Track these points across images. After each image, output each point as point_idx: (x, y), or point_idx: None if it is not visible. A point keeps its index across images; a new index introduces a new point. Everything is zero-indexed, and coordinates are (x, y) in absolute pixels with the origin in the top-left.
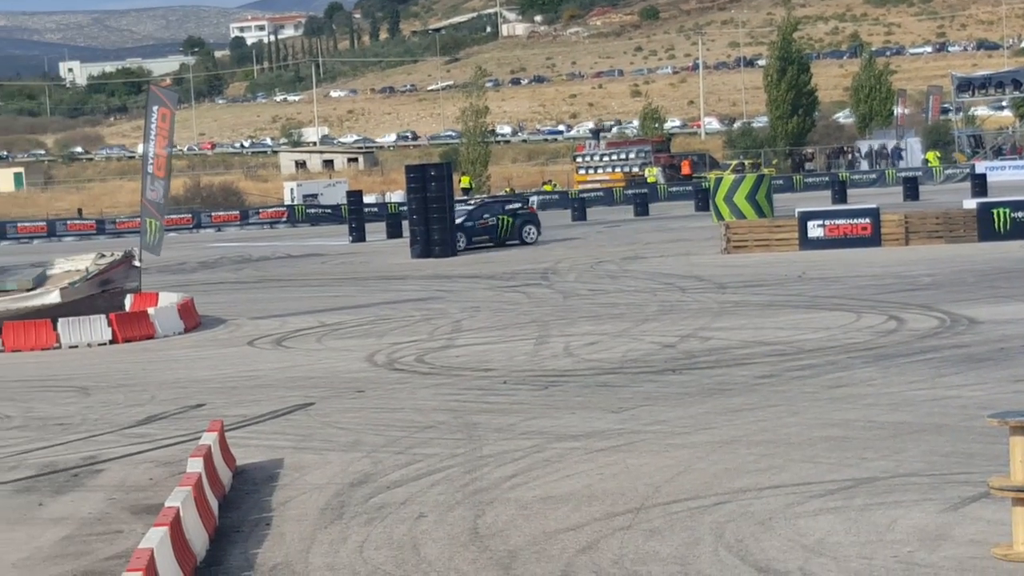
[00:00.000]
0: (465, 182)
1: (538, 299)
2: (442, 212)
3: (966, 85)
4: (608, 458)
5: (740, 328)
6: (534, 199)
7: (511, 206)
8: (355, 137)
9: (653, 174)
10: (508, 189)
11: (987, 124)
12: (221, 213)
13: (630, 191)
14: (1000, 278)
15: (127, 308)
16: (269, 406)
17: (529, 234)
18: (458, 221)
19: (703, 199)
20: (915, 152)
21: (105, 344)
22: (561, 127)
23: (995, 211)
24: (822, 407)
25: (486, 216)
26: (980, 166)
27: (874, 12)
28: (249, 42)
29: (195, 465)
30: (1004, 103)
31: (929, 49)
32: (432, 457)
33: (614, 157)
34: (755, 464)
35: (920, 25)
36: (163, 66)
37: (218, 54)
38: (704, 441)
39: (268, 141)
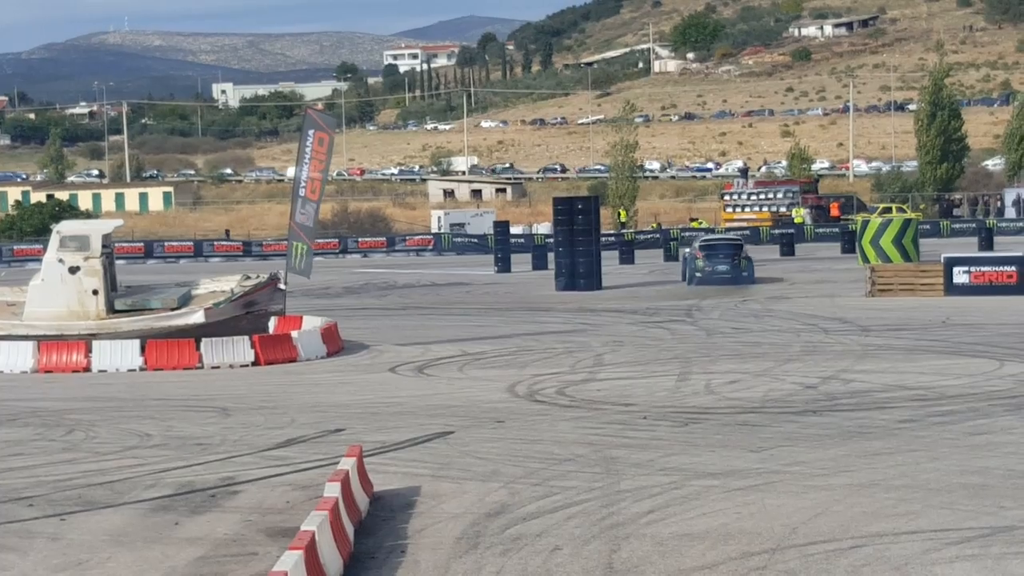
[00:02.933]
0: (622, 216)
1: (681, 335)
2: (588, 245)
3: None
4: (746, 497)
5: (882, 372)
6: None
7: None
8: (504, 167)
9: (800, 215)
10: (655, 224)
11: None
12: (368, 239)
13: (776, 231)
14: None
15: (271, 330)
16: (408, 433)
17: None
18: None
19: (849, 241)
20: None
21: (247, 366)
22: (710, 164)
23: None
24: (962, 454)
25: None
26: None
27: None
28: (402, 70)
29: (332, 490)
30: None
31: None
32: (570, 490)
33: (762, 196)
34: (893, 509)
35: None
36: (316, 91)
37: (371, 80)
38: (842, 484)
39: (417, 169)
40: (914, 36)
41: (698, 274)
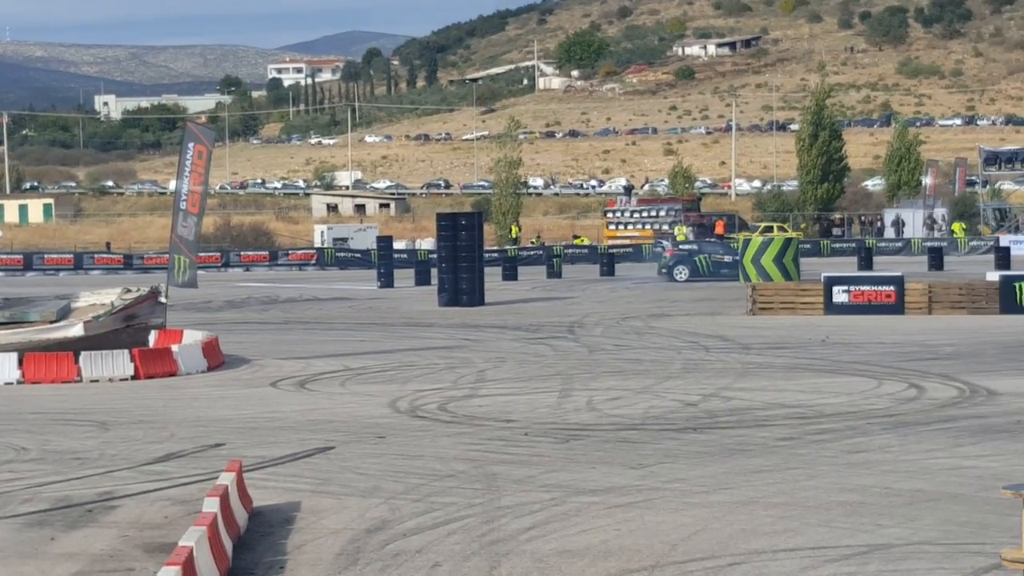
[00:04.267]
0: (515, 232)
1: (563, 352)
2: (472, 261)
3: (993, 159)
4: (626, 514)
5: (762, 390)
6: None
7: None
8: (388, 183)
9: (683, 232)
10: (534, 240)
11: (1012, 198)
12: (250, 253)
13: (658, 248)
14: (1020, 351)
15: (151, 344)
16: (289, 448)
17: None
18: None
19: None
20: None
21: (127, 379)
22: (593, 182)
23: (1017, 284)
24: (840, 472)
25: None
26: (1004, 239)
27: (906, 83)
28: (286, 84)
29: (211, 505)
30: None
31: (958, 121)
32: (450, 506)
33: (644, 214)
34: (771, 526)
35: (950, 98)
36: (199, 104)
37: (254, 94)
38: (722, 501)
39: (301, 183)
40: (796, 57)
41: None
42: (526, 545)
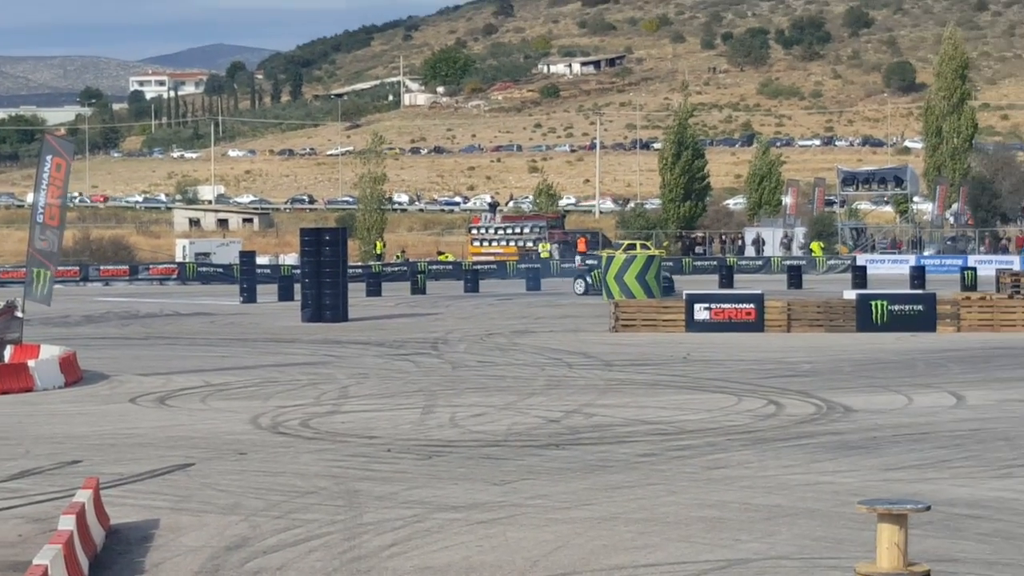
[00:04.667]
0: (379, 247)
1: (427, 368)
2: (335, 276)
3: (850, 179)
4: (488, 530)
5: (624, 406)
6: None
7: None
8: (251, 198)
9: (547, 249)
10: (398, 256)
11: (869, 218)
12: (110, 267)
13: (523, 265)
14: (875, 368)
15: (6, 359)
16: (148, 465)
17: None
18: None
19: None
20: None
21: None
22: (458, 198)
23: (873, 303)
24: (700, 487)
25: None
26: (861, 258)
27: (767, 103)
28: (148, 96)
29: (67, 523)
30: (886, 199)
31: (817, 142)
32: (312, 523)
33: (509, 231)
34: (632, 542)
35: (810, 119)
36: (59, 115)
37: (116, 107)
38: (583, 517)
39: (162, 197)
40: (660, 76)
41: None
42: (388, 562)
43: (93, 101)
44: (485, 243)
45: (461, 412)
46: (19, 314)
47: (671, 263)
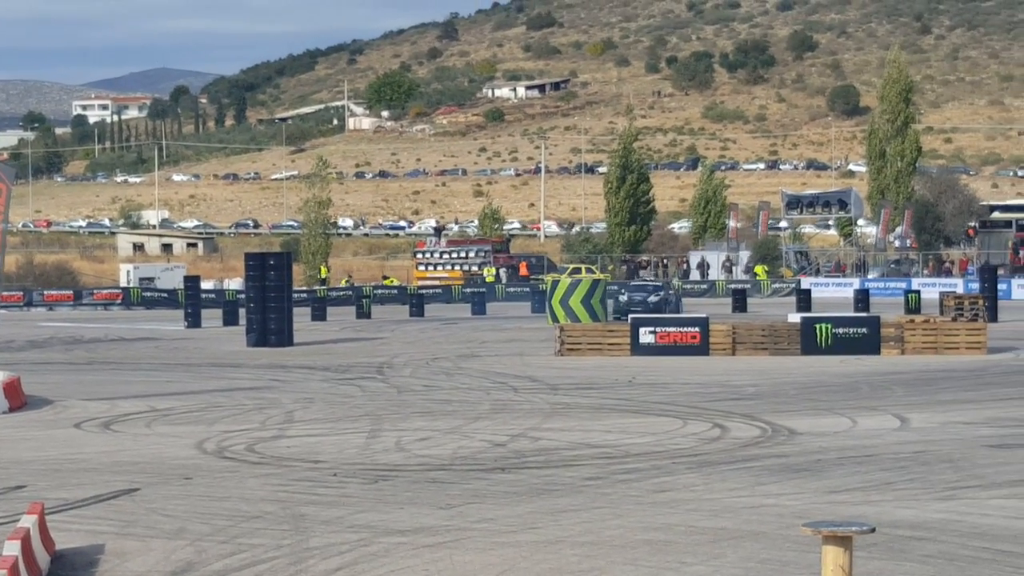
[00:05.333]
0: (323, 272)
1: (372, 392)
2: (280, 301)
3: (795, 203)
4: (434, 554)
5: (570, 430)
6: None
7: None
8: (196, 222)
9: (492, 274)
10: (345, 281)
11: (813, 241)
12: (54, 292)
13: (468, 289)
14: (820, 391)
15: None
16: (93, 490)
17: None
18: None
19: (540, 300)
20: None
21: None
22: (403, 223)
23: (817, 326)
24: (645, 511)
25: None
26: (805, 282)
27: (711, 127)
28: (91, 120)
29: (12, 548)
30: (830, 222)
31: (762, 166)
32: (257, 547)
33: (454, 255)
34: (578, 565)
35: (754, 142)
36: (1, 139)
37: (59, 131)
38: (529, 540)
39: (106, 222)
40: (604, 100)
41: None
42: None
43: (36, 125)
44: (430, 267)
45: (407, 436)
46: None
47: (616, 287)
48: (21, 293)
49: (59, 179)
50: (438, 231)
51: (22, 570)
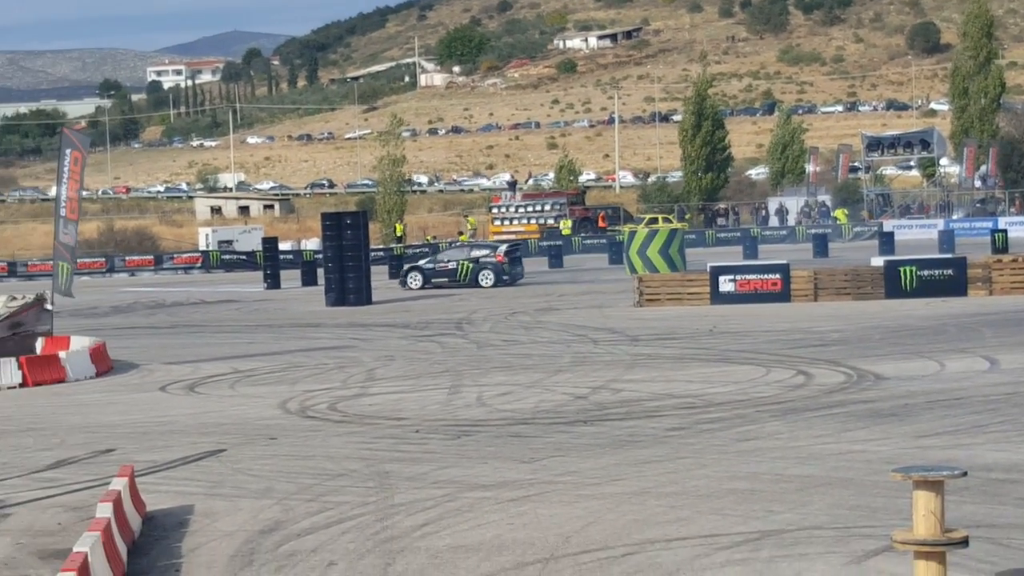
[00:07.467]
0: (399, 230)
1: (452, 349)
2: (357, 260)
3: (875, 144)
4: (519, 508)
5: (651, 381)
6: (502, 247)
7: (476, 252)
8: (271, 184)
9: (568, 226)
10: (429, 238)
11: (895, 183)
12: (135, 258)
13: (545, 243)
14: (905, 335)
15: (38, 351)
16: (180, 452)
17: (486, 279)
18: (421, 263)
19: (617, 252)
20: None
21: (15, 387)
22: (478, 178)
23: (901, 269)
24: (730, 460)
25: (447, 260)
26: (888, 224)
27: (787, 71)
28: (166, 86)
29: (104, 510)
30: (912, 163)
31: (840, 108)
32: (343, 505)
33: (529, 209)
34: (664, 516)
35: (832, 84)
36: (79, 108)
37: (135, 97)
38: (614, 492)
39: (184, 186)
40: (677, 47)
41: None
42: (420, 542)
43: (112, 93)
44: (506, 222)
45: (488, 391)
46: (48, 306)
47: (694, 236)
48: (104, 259)
49: (136, 145)
50: (512, 185)
51: (115, 532)
